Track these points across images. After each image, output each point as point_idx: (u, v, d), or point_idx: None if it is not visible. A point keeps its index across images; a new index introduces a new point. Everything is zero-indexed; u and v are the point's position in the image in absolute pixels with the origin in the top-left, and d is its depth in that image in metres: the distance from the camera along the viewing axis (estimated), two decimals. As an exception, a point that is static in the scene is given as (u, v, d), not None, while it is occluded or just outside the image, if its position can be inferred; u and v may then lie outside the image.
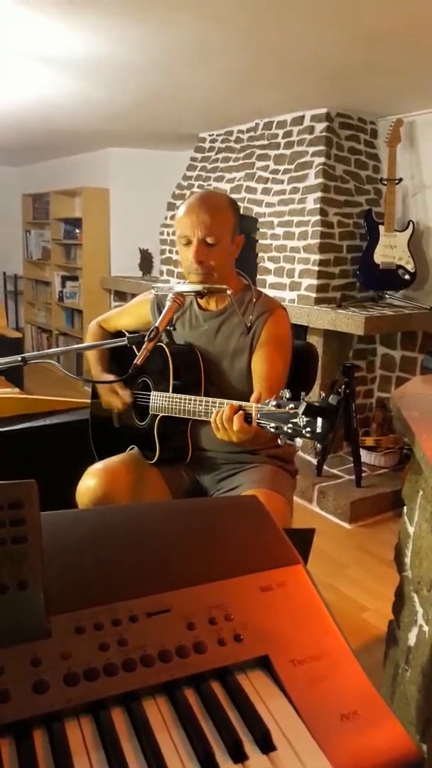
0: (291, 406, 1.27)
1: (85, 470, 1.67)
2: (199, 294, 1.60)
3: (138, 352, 1.75)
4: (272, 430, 1.30)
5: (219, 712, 0.66)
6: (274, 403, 1.30)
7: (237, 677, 0.71)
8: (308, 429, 1.23)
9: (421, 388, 1.66)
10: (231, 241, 1.63)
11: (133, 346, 1.75)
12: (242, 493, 1.58)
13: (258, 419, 1.34)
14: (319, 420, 1.22)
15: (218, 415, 1.40)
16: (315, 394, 2.17)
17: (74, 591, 0.75)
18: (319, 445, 1.29)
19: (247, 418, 1.36)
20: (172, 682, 0.68)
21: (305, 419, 1.23)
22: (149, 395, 1.68)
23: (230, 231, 1.62)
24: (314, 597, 0.80)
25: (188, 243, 1.60)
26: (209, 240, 1.58)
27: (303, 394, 1.29)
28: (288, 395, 1.30)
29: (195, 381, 1.64)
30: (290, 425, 1.26)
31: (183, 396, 1.55)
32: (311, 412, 1.23)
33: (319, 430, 1.23)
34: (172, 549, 0.85)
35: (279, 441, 1.29)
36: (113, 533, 0.87)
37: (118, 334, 1.90)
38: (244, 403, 1.38)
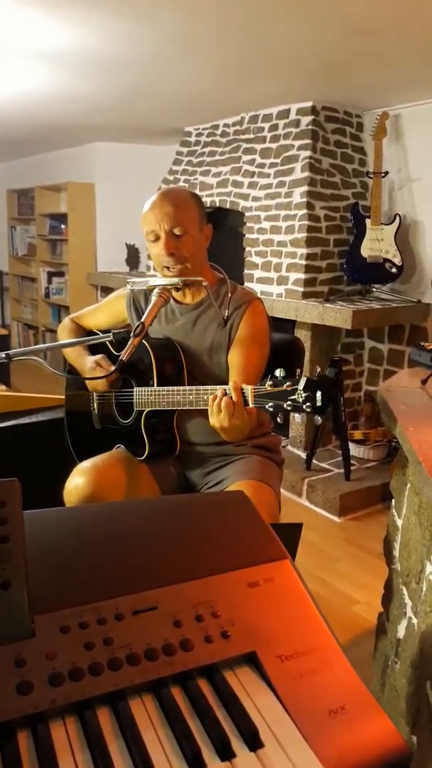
0: (289, 383, 1.29)
1: (72, 469, 1.66)
2: (175, 287, 1.59)
3: (116, 350, 1.74)
4: (270, 409, 1.31)
5: (206, 710, 0.66)
6: (269, 382, 1.32)
7: (224, 674, 0.70)
8: (308, 403, 1.26)
9: (408, 381, 1.66)
10: (199, 230, 1.63)
11: (109, 346, 1.74)
12: (230, 486, 1.58)
13: (254, 400, 1.35)
14: (318, 393, 1.25)
15: (216, 398, 1.41)
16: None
17: (59, 590, 0.74)
18: (319, 419, 1.31)
19: (243, 400, 1.38)
20: (159, 680, 0.68)
21: (304, 394, 1.26)
22: (131, 392, 1.67)
23: (196, 221, 1.62)
24: (302, 592, 0.80)
25: (156, 239, 1.60)
26: (176, 231, 1.57)
27: (299, 371, 1.30)
28: (282, 374, 1.31)
29: (177, 373, 1.64)
30: (289, 402, 1.28)
31: (170, 388, 1.54)
32: (310, 386, 1.25)
33: (319, 403, 1.26)
34: (158, 546, 0.84)
35: (278, 419, 1.32)
36: (98, 531, 0.86)
37: (91, 334, 1.86)
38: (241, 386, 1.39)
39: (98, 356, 1.74)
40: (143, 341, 1.60)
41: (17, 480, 0.76)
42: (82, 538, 0.83)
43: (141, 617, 0.72)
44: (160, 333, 1.71)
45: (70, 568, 0.78)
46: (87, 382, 1.77)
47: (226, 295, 1.67)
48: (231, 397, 1.38)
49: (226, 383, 1.60)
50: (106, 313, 1.86)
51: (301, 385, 1.26)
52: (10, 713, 0.62)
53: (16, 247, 6.70)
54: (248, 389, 1.36)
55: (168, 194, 1.62)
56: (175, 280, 1.55)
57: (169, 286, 1.56)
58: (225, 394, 1.40)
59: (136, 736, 0.62)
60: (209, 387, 1.47)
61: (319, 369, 1.30)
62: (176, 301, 1.71)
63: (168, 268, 1.60)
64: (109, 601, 0.73)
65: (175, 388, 1.54)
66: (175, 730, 0.64)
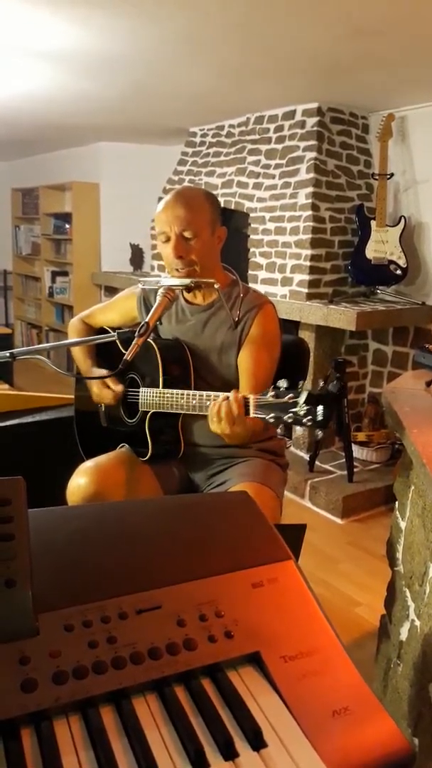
0: (290, 395, 1.28)
1: (76, 468, 1.66)
2: (186, 288, 1.59)
3: (124, 348, 1.74)
4: (271, 420, 1.30)
5: (209, 709, 0.66)
6: (272, 393, 1.31)
7: (228, 674, 0.70)
8: (309, 417, 1.24)
9: (412, 383, 1.66)
10: (211, 233, 1.62)
11: (118, 343, 1.73)
12: (231, 488, 1.58)
13: (255, 411, 1.34)
14: (320, 408, 1.24)
15: (216, 407, 1.39)
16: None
17: (63, 588, 0.74)
18: (319, 433, 1.30)
19: (245, 410, 1.36)
20: (162, 679, 0.68)
21: (305, 408, 1.24)
22: (138, 392, 1.67)
23: (208, 224, 1.61)
24: (305, 593, 0.80)
25: (167, 240, 1.59)
26: (186, 234, 1.57)
27: (301, 383, 1.29)
28: (285, 385, 1.30)
29: (184, 376, 1.63)
30: (290, 414, 1.27)
31: (175, 391, 1.54)
32: (312, 400, 1.24)
33: (320, 417, 1.24)
34: (162, 546, 0.84)
35: (278, 431, 1.30)
36: (102, 530, 0.86)
37: (101, 331, 1.87)
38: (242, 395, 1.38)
39: (104, 372, 1.75)
40: (151, 341, 1.60)
41: (22, 478, 0.76)
42: (87, 537, 0.83)
43: (145, 616, 0.73)
44: (170, 333, 1.71)
45: (74, 567, 0.78)
46: (94, 394, 1.78)
47: (237, 297, 1.66)
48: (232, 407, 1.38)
49: (235, 385, 1.60)
50: (117, 310, 1.86)
51: (302, 399, 1.25)
52: (14, 711, 0.62)
53: (20, 247, 6.71)
54: (250, 399, 1.35)
55: (181, 195, 1.61)
56: (187, 280, 1.55)
57: (180, 287, 1.56)
58: (227, 401, 1.39)
59: (140, 735, 0.62)
60: (212, 393, 1.46)
61: (322, 383, 1.29)
62: (187, 301, 1.71)
63: (177, 270, 1.61)
64: (113, 599, 0.73)
65: (180, 391, 1.53)
66: (178, 729, 0.64)
